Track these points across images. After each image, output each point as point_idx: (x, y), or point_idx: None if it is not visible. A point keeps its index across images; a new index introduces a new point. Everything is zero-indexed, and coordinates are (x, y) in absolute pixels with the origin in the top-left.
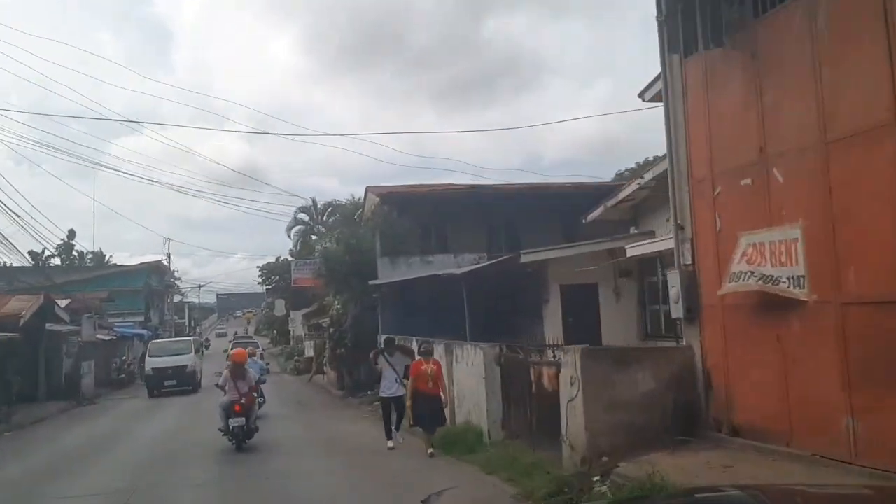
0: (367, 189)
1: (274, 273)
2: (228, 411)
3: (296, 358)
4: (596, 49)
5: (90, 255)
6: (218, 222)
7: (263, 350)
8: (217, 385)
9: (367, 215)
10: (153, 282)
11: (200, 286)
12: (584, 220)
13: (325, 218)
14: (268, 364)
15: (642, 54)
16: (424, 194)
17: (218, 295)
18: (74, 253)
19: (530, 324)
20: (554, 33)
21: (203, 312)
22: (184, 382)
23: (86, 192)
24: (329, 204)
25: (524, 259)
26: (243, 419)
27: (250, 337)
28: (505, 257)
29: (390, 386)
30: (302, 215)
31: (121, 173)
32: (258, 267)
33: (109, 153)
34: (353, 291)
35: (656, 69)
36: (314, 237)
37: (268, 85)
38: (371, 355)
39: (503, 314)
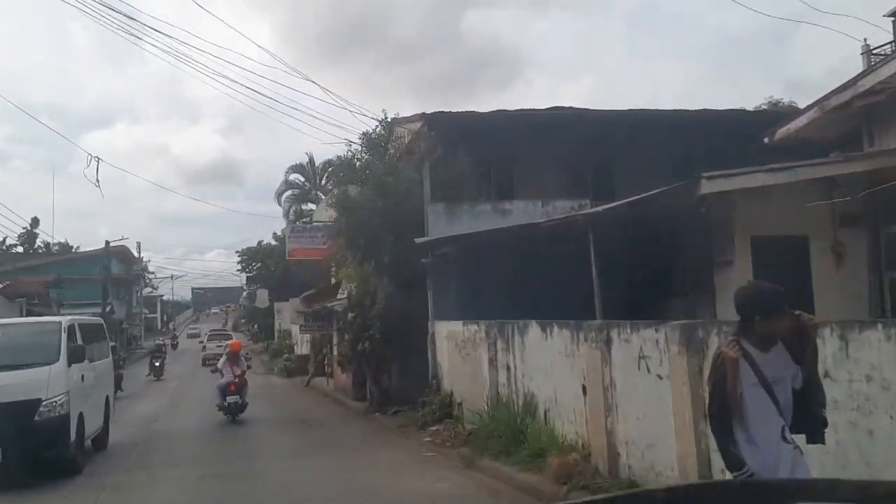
0: (394, 121)
1: (255, 259)
2: (225, 391)
3: (286, 356)
4: (580, 43)
5: (56, 247)
6: (195, 217)
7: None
8: (212, 371)
9: (401, 151)
10: (116, 269)
11: (173, 276)
12: (766, 141)
13: (323, 181)
14: (248, 354)
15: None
16: (485, 119)
17: (193, 289)
18: (40, 244)
19: (693, 301)
20: (537, 27)
21: (178, 308)
22: (30, 447)
23: (59, 183)
24: (329, 163)
25: (706, 188)
26: (238, 396)
27: (225, 330)
28: (672, 187)
29: (765, 443)
30: (295, 176)
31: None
32: (237, 252)
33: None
34: (386, 257)
35: None
36: (311, 205)
37: (245, 75)
38: (723, 349)
39: (641, 287)
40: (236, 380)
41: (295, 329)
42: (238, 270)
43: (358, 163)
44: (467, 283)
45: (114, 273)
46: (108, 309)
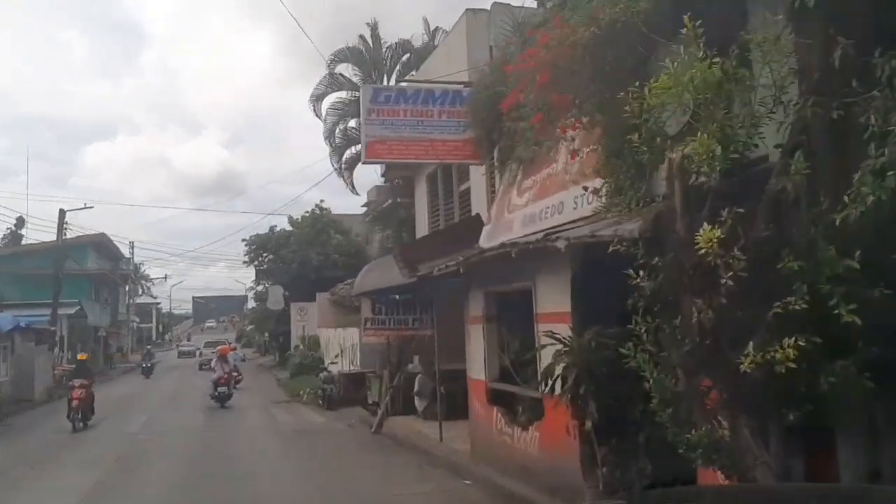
0: None
1: (265, 249)
2: (216, 383)
3: (323, 375)
4: None
5: None
6: (195, 230)
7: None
8: (206, 368)
9: None
10: (95, 263)
11: (167, 277)
12: None
13: (394, 77)
14: (244, 357)
15: None
16: None
17: (194, 298)
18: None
19: None
20: None
21: (176, 319)
22: None
23: (60, 194)
24: (405, 45)
25: None
26: (226, 388)
27: (220, 340)
28: None
29: None
30: (345, 69)
31: None
32: (243, 240)
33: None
34: None
35: None
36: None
37: (245, 87)
38: None
39: None
40: (225, 375)
41: (326, 334)
42: (245, 262)
43: None
44: None
45: (91, 269)
46: (75, 310)
